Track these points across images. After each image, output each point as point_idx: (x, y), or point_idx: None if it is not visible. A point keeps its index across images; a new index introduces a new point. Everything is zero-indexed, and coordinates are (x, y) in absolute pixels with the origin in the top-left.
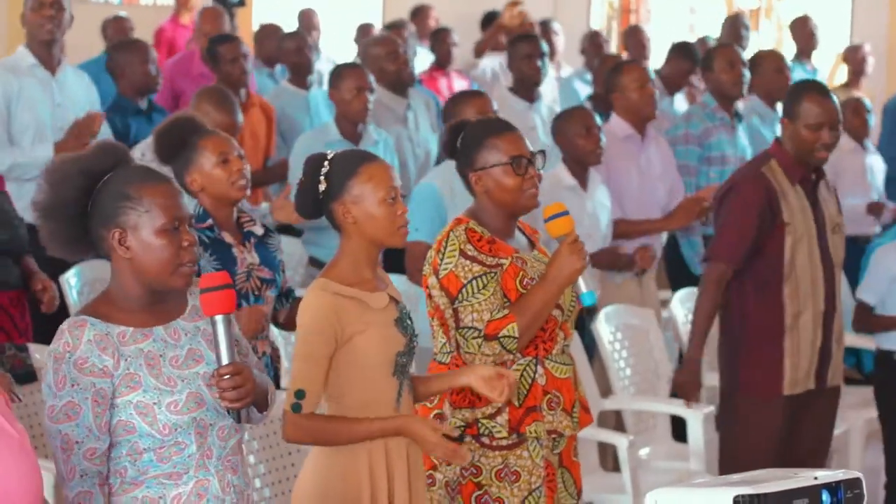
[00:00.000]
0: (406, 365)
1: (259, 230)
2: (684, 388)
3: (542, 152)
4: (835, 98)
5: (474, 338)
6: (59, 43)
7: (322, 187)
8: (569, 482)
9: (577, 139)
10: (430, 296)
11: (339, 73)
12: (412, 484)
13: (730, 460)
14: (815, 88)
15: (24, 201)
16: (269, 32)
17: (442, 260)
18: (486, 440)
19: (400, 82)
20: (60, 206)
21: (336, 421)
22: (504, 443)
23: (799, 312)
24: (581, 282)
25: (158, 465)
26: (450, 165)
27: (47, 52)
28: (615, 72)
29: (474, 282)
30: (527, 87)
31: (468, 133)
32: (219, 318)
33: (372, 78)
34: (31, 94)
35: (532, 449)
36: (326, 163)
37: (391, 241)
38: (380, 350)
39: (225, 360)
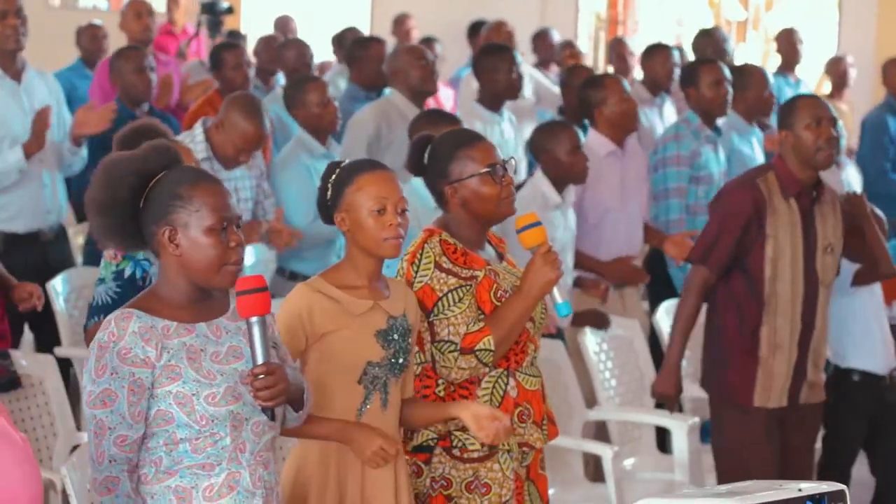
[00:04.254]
0: (380, 378)
1: None
2: (663, 395)
3: (512, 159)
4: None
5: (451, 351)
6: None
7: (329, 194)
8: (534, 495)
9: (565, 157)
10: None
11: (301, 88)
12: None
13: (723, 471)
14: (803, 95)
15: None
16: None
17: (417, 272)
18: (456, 452)
19: (421, 91)
20: (113, 204)
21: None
22: (475, 455)
23: (776, 328)
24: (556, 292)
25: (193, 456)
26: (412, 188)
27: (12, 61)
28: (595, 86)
29: (450, 295)
30: (499, 99)
31: (438, 146)
32: (254, 319)
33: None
34: (1, 105)
35: (503, 461)
36: (338, 170)
37: (379, 251)
38: (347, 353)
39: (259, 360)
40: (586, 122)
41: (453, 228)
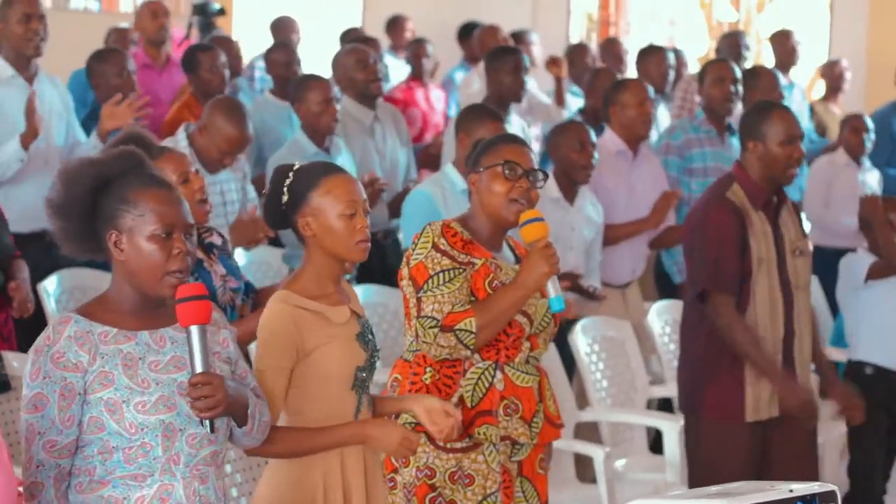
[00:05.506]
0: (366, 380)
1: (217, 240)
2: (801, 407)
3: (544, 172)
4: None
5: (431, 327)
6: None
7: (285, 199)
8: (530, 493)
9: (570, 153)
10: (402, 289)
11: (304, 85)
12: (370, 493)
13: (699, 480)
14: (778, 106)
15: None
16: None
17: (414, 251)
18: (440, 442)
19: (367, 93)
20: (67, 206)
21: (296, 432)
22: (458, 445)
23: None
24: (550, 286)
25: (125, 466)
26: (444, 174)
27: (27, 64)
28: (617, 87)
29: (441, 274)
30: (505, 101)
31: (483, 142)
32: (194, 328)
33: (336, 88)
34: (10, 105)
35: (488, 454)
36: (291, 174)
37: (350, 255)
38: (340, 364)
39: (198, 370)
40: (605, 125)
41: (469, 222)
